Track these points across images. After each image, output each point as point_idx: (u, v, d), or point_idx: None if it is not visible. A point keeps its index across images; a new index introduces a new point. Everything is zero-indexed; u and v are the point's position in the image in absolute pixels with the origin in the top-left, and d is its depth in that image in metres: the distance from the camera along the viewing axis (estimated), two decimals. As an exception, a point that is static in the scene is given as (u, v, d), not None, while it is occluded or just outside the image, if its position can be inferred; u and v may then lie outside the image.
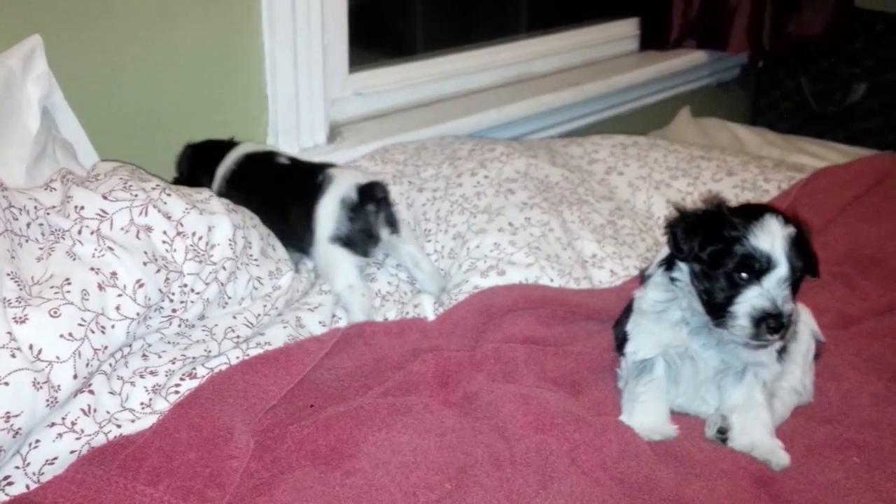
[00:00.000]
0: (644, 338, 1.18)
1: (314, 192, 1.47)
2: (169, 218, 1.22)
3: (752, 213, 1.10)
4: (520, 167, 1.75)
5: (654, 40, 2.62)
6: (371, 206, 1.46)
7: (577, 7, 2.67)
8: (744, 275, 1.06)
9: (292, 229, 1.48)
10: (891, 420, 1.20)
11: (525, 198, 1.65)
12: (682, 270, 1.14)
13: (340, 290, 1.42)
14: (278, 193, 1.52)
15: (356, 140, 1.88)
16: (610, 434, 1.08)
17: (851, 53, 2.83)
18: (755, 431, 1.12)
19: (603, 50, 2.57)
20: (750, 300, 1.06)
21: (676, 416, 1.19)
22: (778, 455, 1.10)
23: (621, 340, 1.24)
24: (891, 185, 1.98)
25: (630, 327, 1.21)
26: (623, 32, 2.64)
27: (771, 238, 1.06)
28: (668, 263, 1.17)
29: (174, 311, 1.21)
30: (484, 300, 1.39)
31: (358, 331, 1.32)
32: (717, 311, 1.09)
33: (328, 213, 1.45)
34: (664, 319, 1.17)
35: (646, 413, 1.15)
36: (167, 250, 1.20)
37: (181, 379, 1.15)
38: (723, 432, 1.14)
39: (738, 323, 1.06)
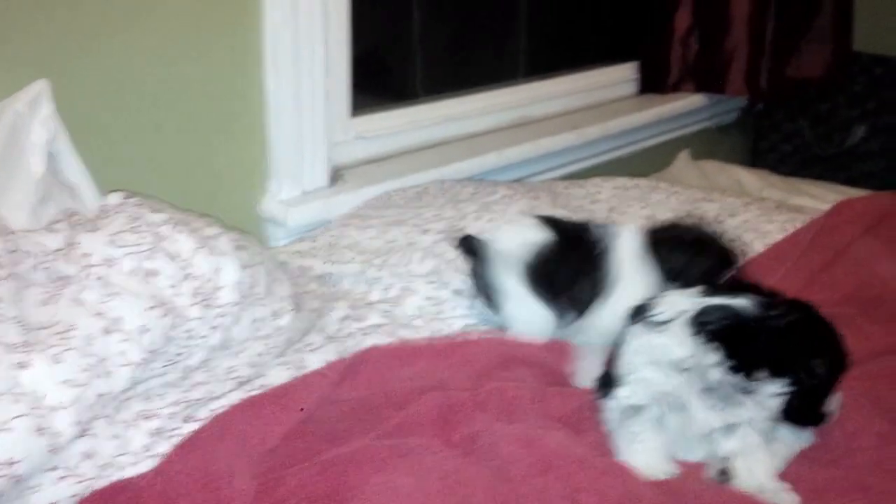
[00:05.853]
0: (643, 385, 1.15)
1: None
2: (176, 259, 1.22)
3: None
4: (522, 209, 1.76)
5: (653, 84, 2.65)
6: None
7: (577, 51, 2.71)
8: None
9: None
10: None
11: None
12: None
13: None
14: None
15: (358, 183, 1.90)
16: (613, 476, 1.07)
17: (851, 96, 2.86)
18: (760, 475, 1.11)
19: (602, 93, 2.60)
20: None
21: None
22: (784, 497, 1.09)
23: (608, 381, 1.20)
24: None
25: (624, 370, 1.18)
26: (622, 76, 2.67)
27: None
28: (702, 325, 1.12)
29: (178, 354, 1.21)
30: (496, 340, 1.40)
31: (363, 358, 1.32)
32: None
33: None
34: (676, 374, 1.13)
35: (646, 452, 1.13)
36: (173, 294, 1.20)
37: (183, 421, 1.14)
38: (725, 474, 1.13)
39: None
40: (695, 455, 1.17)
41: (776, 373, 1.10)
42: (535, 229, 1.44)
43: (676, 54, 2.62)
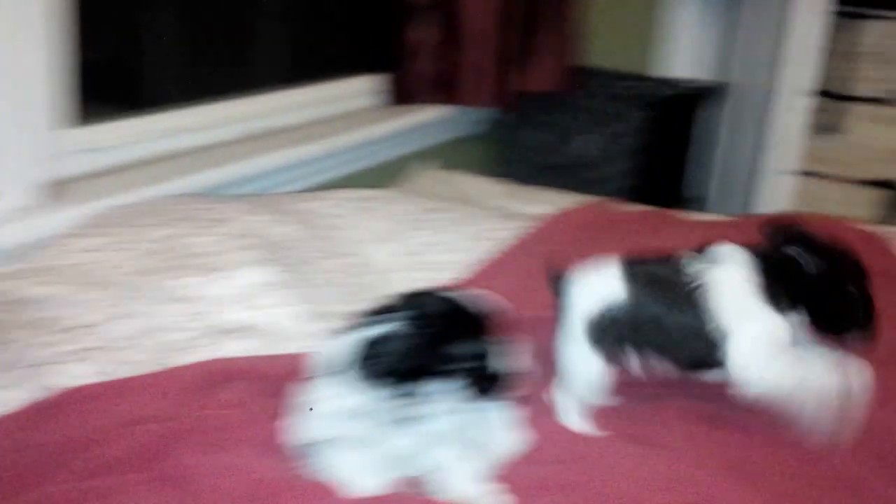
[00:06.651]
0: (332, 426, 1.14)
1: None
2: None
3: None
4: (255, 225, 1.72)
5: (402, 94, 2.70)
6: None
7: (326, 60, 2.70)
8: None
9: None
10: (597, 458, 1.25)
11: (258, 256, 1.62)
12: None
13: None
14: None
15: (82, 198, 1.76)
16: (321, 498, 1.07)
17: (586, 108, 3.07)
18: (465, 480, 1.14)
19: (350, 103, 2.61)
20: None
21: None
22: (495, 500, 1.13)
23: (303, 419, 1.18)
24: (618, 230, 2.14)
25: (311, 416, 1.16)
26: (371, 86, 2.69)
27: None
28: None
29: None
30: (207, 365, 1.35)
31: (66, 398, 1.23)
32: None
33: None
34: (359, 417, 1.13)
35: (353, 471, 1.12)
36: None
37: None
38: (431, 484, 1.15)
39: None
40: (404, 470, 1.18)
41: (446, 375, 1.12)
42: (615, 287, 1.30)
43: (425, 65, 2.68)
